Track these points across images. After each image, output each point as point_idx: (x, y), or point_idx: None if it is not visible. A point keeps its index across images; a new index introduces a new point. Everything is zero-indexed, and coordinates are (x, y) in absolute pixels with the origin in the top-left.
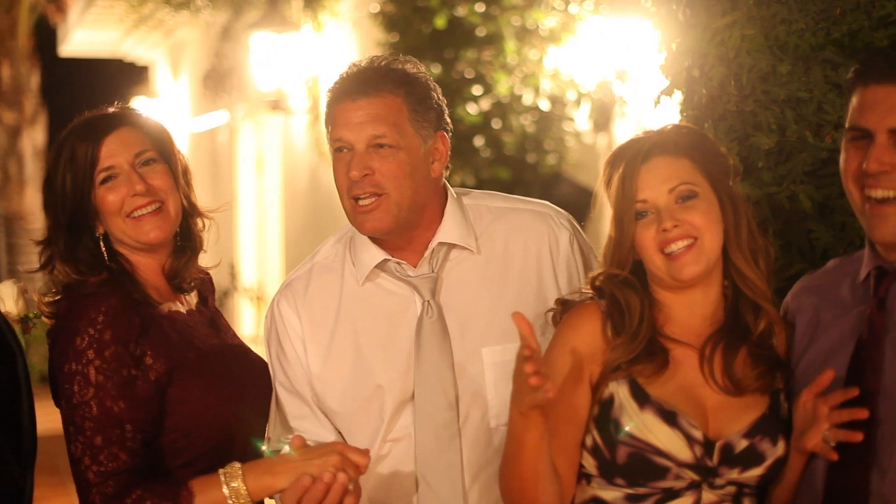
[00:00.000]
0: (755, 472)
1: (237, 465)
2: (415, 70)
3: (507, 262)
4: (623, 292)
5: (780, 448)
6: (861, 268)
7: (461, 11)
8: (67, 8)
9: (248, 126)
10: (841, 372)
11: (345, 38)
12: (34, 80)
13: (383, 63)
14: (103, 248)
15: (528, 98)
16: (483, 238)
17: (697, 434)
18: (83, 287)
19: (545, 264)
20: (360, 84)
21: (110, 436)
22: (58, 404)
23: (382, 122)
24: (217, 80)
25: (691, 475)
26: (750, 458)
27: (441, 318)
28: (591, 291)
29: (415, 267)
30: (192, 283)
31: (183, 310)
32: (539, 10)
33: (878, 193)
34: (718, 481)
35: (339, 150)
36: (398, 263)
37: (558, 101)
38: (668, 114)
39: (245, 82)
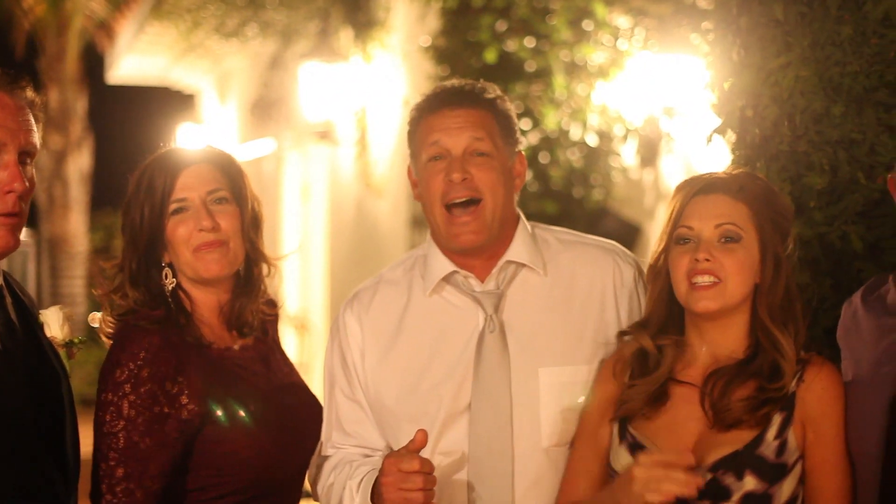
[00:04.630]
0: None
1: None
2: (497, 93)
3: (573, 289)
4: (647, 347)
5: (749, 484)
6: None
7: (511, 46)
8: (117, 35)
9: (294, 156)
10: (891, 389)
11: (394, 71)
12: (81, 106)
13: (473, 84)
14: (171, 279)
15: (575, 133)
16: (550, 264)
17: None
18: (137, 317)
19: (608, 296)
20: (456, 96)
21: (131, 470)
22: None
23: (480, 129)
24: (265, 109)
25: None
26: (716, 492)
27: (502, 334)
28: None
29: (482, 282)
30: (252, 324)
31: (236, 346)
32: (588, 46)
33: None
34: None
35: (436, 157)
36: (465, 277)
37: (605, 137)
38: (718, 152)
39: (293, 112)
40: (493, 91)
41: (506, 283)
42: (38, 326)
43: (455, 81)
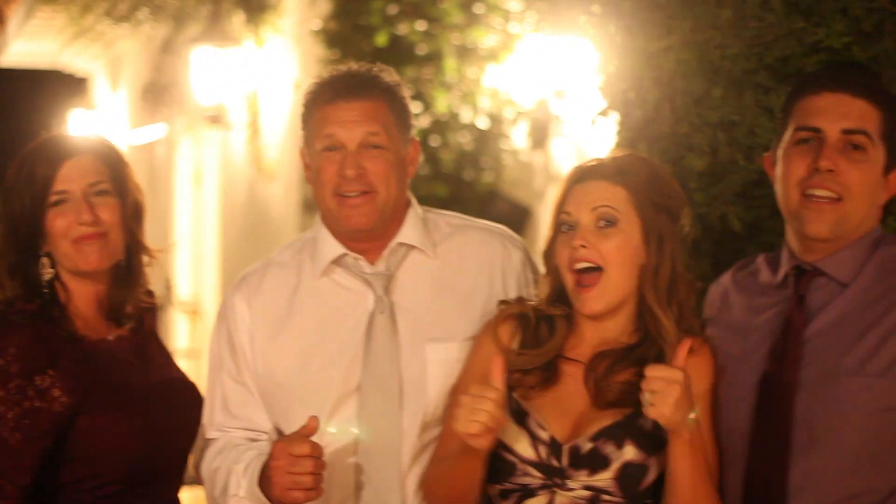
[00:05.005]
0: (605, 476)
1: None
2: (393, 79)
3: (461, 270)
4: (541, 318)
5: (629, 453)
6: (780, 269)
7: (402, 30)
8: (6, 19)
9: (186, 140)
10: (762, 366)
11: (286, 55)
12: None
13: (369, 70)
14: (48, 269)
15: (466, 116)
16: (440, 246)
17: (544, 434)
18: (9, 310)
19: (496, 277)
20: (352, 87)
21: (1, 466)
22: None
23: (375, 123)
24: (156, 94)
25: (537, 474)
26: (595, 461)
27: (392, 315)
28: (531, 301)
29: (372, 264)
30: (130, 315)
31: (111, 337)
32: (479, 29)
33: (821, 192)
34: (571, 483)
35: (330, 148)
36: (356, 259)
37: (496, 120)
38: (604, 134)
39: (185, 96)
40: (390, 77)
41: (396, 265)
42: None
43: (352, 67)
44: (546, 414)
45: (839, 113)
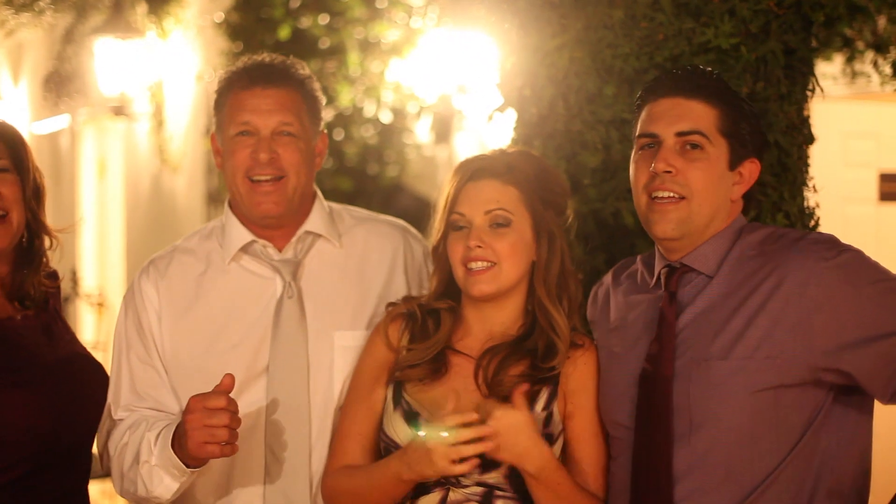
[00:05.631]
0: (497, 473)
1: None
2: (306, 72)
3: (364, 260)
4: (427, 313)
5: None
6: (654, 269)
7: (305, 23)
8: None
9: (90, 131)
10: (640, 362)
11: (189, 46)
12: None
13: (283, 61)
14: None
15: (370, 110)
16: (345, 236)
17: None
18: None
19: (398, 268)
20: (268, 75)
21: None
22: None
23: (289, 112)
24: (59, 84)
25: None
26: (486, 462)
27: (300, 300)
28: (416, 298)
29: (280, 251)
30: (35, 297)
31: (18, 317)
32: (382, 24)
33: (662, 193)
34: (464, 480)
35: (243, 133)
36: (264, 246)
37: (399, 114)
38: (502, 130)
39: (88, 87)
40: (304, 69)
41: (303, 253)
42: None
43: (267, 57)
44: (436, 411)
45: (673, 116)
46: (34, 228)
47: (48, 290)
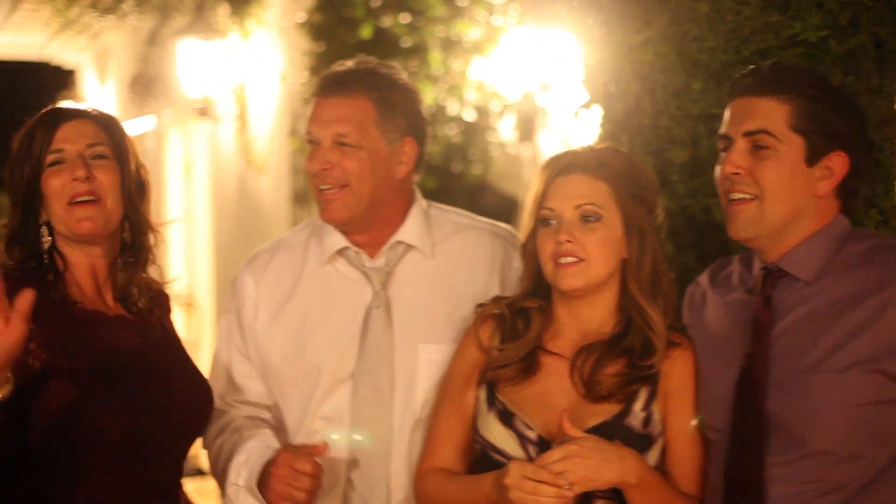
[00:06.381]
0: None
1: None
2: (394, 77)
3: (457, 271)
4: (517, 312)
5: None
6: (753, 270)
7: (386, 22)
8: None
9: (175, 132)
10: (738, 366)
11: (271, 47)
12: None
13: (364, 66)
14: (47, 237)
15: (453, 108)
16: (439, 246)
17: (531, 434)
18: (9, 266)
19: (493, 279)
20: (335, 84)
21: None
22: None
23: (347, 123)
24: (144, 86)
25: None
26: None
27: (388, 310)
28: (505, 298)
29: (372, 258)
30: (136, 299)
31: (110, 314)
32: (463, 22)
33: (735, 195)
34: None
35: (311, 142)
36: (357, 252)
37: (483, 112)
38: (588, 127)
39: (172, 88)
40: (388, 74)
41: (395, 262)
42: None
43: (346, 64)
44: (530, 412)
45: (742, 116)
46: (136, 223)
47: (155, 294)
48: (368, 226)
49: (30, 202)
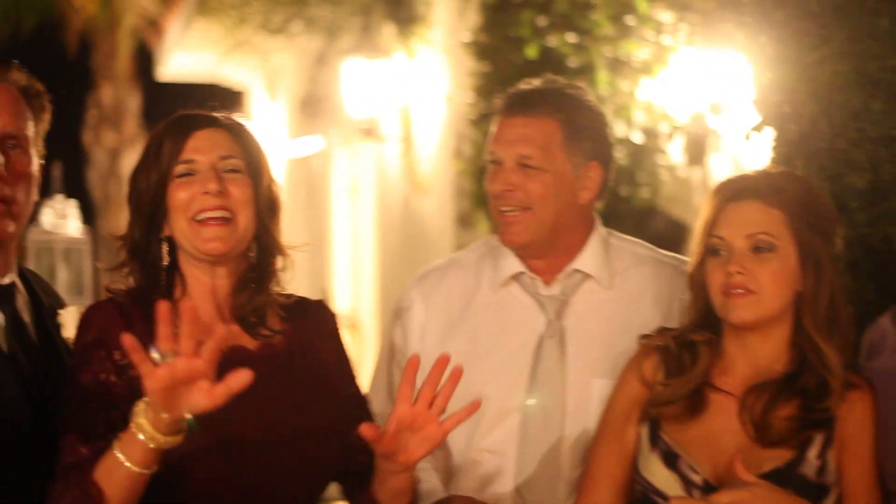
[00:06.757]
0: None
1: None
2: (582, 98)
3: (636, 305)
4: (684, 345)
5: None
6: None
7: (553, 42)
8: (165, 31)
9: (342, 153)
10: None
11: (437, 67)
12: (134, 103)
13: (551, 86)
14: (167, 256)
15: (620, 130)
16: (618, 277)
17: (696, 478)
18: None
19: (673, 316)
20: (520, 103)
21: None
22: None
23: (531, 144)
24: (312, 106)
25: None
26: None
27: (561, 341)
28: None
29: (547, 286)
30: (256, 323)
31: (250, 346)
32: (631, 42)
33: None
34: None
35: (493, 162)
36: (532, 278)
37: (651, 134)
38: (760, 150)
39: (339, 109)
40: (580, 95)
41: (571, 291)
42: (55, 327)
43: (532, 82)
44: (696, 453)
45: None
46: (265, 244)
47: (279, 313)
48: (547, 251)
49: (152, 214)
